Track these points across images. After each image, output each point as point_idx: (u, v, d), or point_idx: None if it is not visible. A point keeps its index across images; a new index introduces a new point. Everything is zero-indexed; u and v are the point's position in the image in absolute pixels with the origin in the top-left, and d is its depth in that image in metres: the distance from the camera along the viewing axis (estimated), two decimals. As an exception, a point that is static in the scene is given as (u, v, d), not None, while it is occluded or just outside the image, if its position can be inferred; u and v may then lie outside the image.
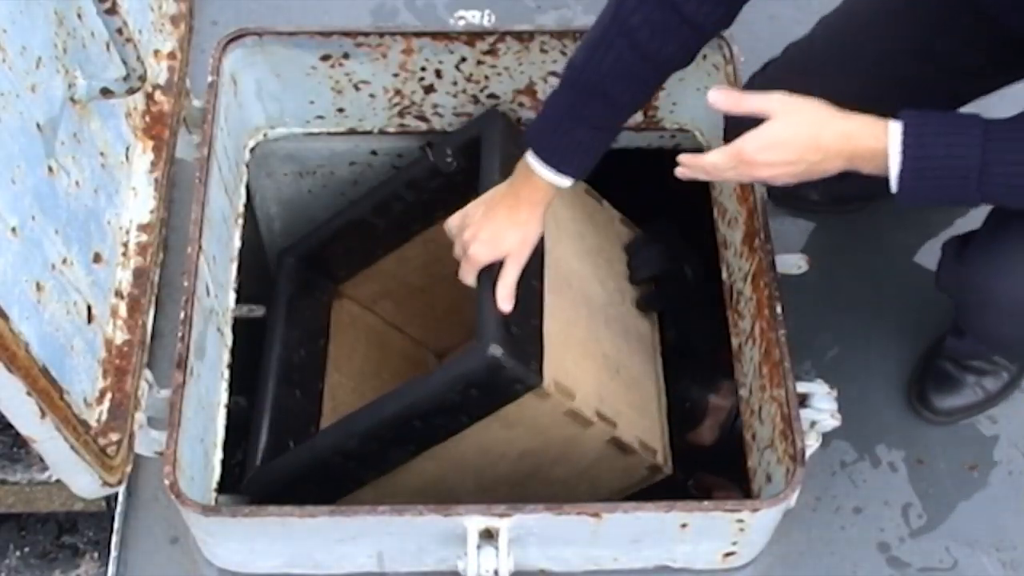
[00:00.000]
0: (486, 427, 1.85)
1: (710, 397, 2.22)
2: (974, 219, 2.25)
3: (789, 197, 2.23)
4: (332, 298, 2.33)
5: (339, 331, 2.30)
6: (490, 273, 1.79)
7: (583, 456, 1.96)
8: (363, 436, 1.85)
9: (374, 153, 2.33)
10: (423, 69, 2.13)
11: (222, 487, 1.88)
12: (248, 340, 2.11)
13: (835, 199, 2.25)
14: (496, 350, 1.72)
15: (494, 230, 1.76)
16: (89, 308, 1.56)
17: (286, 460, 1.97)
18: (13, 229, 1.37)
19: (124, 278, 1.69)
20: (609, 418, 1.91)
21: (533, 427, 1.87)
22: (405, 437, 1.85)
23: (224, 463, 1.91)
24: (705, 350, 2.26)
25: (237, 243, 2.08)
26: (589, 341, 1.99)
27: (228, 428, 1.92)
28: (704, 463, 2.21)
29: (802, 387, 1.77)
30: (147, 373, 1.67)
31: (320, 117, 2.22)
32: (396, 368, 2.41)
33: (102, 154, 1.67)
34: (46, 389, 1.37)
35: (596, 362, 1.97)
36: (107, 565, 1.87)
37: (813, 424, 1.78)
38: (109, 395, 1.59)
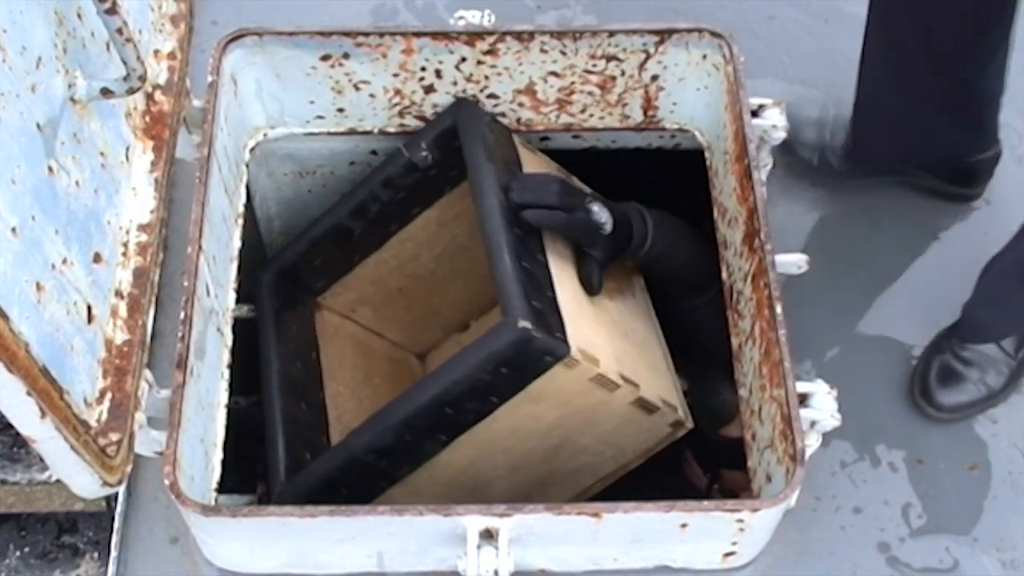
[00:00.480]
0: (515, 406, 1.88)
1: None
2: (971, 223, 2.27)
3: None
4: (313, 311, 2.34)
5: (326, 342, 2.31)
6: (510, 251, 1.82)
7: (609, 421, 2.00)
8: (396, 429, 1.86)
9: (374, 153, 2.33)
10: (423, 69, 2.13)
11: (222, 487, 1.88)
12: (250, 339, 2.11)
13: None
14: (525, 323, 1.75)
15: None
16: (89, 308, 1.56)
17: (315, 468, 1.96)
18: (13, 229, 1.37)
19: (124, 278, 1.69)
20: (632, 380, 1.94)
21: (560, 398, 1.91)
22: (437, 426, 1.87)
23: (224, 463, 1.91)
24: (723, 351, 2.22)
25: (237, 243, 2.08)
26: (598, 308, 2.03)
27: (229, 428, 1.92)
28: (730, 458, 2.22)
29: (802, 387, 1.77)
30: (147, 373, 1.67)
31: (320, 117, 2.22)
32: (385, 372, 2.42)
33: (102, 154, 1.67)
34: (46, 389, 1.38)
35: (608, 327, 2.01)
36: (107, 565, 1.87)
37: (813, 424, 1.78)
38: (109, 395, 1.59)
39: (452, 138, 2.08)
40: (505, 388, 1.85)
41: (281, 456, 2.03)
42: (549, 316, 1.83)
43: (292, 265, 2.30)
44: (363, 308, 2.40)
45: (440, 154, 2.12)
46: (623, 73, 2.15)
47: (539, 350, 1.79)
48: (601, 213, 1.99)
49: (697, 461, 2.42)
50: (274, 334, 2.19)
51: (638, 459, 2.11)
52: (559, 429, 1.98)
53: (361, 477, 1.92)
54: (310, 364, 2.24)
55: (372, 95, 2.18)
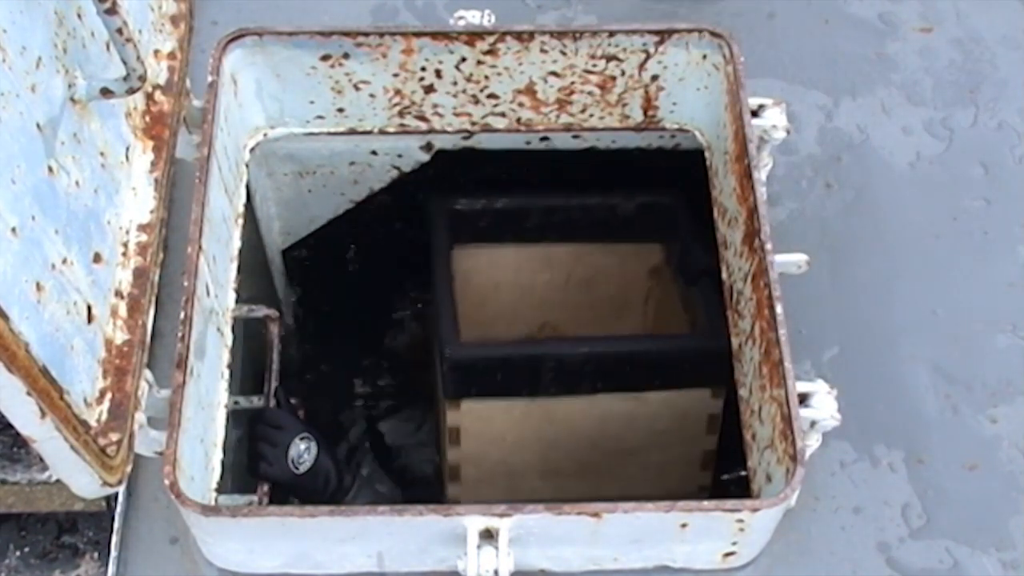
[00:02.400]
0: (628, 399, 2.36)
1: None
2: (971, 223, 2.27)
3: None
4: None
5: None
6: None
7: (672, 448, 2.48)
8: (576, 357, 2.32)
9: (374, 153, 2.33)
10: (423, 69, 2.13)
11: (222, 487, 1.88)
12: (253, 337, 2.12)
13: None
14: (724, 343, 2.09)
15: None
16: (89, 308, 1.56)
17: (494, 348, 2.42)
18: (13, 229, 1.37)
19: (124, 278, 1.69)
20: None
21: (668, 414, 2.41)
22: (606, 374, 2.35)
23: (223, 463, 1.91)
24: None
25: (237, 243, 2.08)
26: None
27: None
28: None
29: (802, 387, 1.77)
30: (147, 373, 1.67)
31: (320, 117, 2.22)
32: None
33: (102, 154, 1.67)
34: (46, 389, 1.37)
35: None
36: (107, 565, 1.87)
37: (813, 424, 1.78)
38: (109, 395, 1.59)
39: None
40: (661, 378, 2.34)
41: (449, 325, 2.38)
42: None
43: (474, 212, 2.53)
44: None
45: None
46: (623, 73, 2.15)
47: (718, 367, 2.17)
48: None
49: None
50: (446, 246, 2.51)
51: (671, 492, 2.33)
52: (645, 438, 2.42)
53: (517, 374, 2.36)
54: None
55: (372, 95, 2.18)
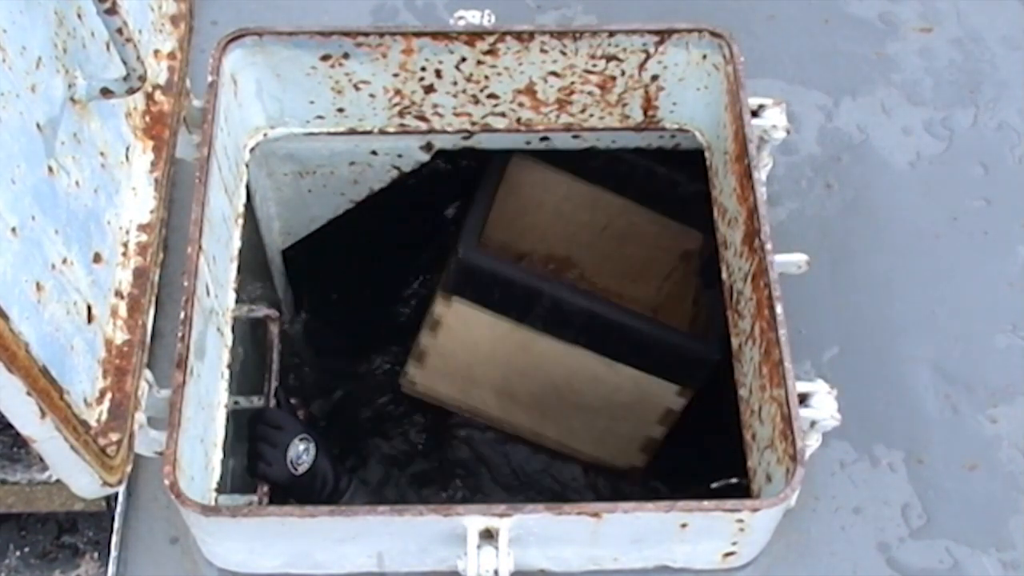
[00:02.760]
0: (602, 363, 2.52)
1: None
2: (971, 223, 2.27)
3: None
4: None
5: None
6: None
7: (622, 422, 2.66)
8: (572, 307, 2.47)
9: (374, 153, 2.33)
10: (423, 69, 2.13)
11: (222, 487, 1.89)
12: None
13: None
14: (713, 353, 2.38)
15: None
16: (89, 308, 1.56)
17: (503, 266, 2.51)
18: (13, 229, 1.37)
19: (124, 278, 1.69)
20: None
21: (631, 391, 2.57)
22: (593, 330, 2.50)
23: (223, 463, 1.91)
24: None
25: (237, 243, 2.08)
26: None
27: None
28: None
29: (802, 387, 1.77)
30: (147, 373, 1.67)
31: (320, 117, 2.22)
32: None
33: (102, 154, 1.67)
34: (46, 389, 1.37)
35: None
36: (107, 565, 1.87)
37: (813, 424, 1.78)
38: (109, 395, 1.59)
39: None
40: (641, 360, 2.50)
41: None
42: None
43: None
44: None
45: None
46: (623, 73, 2.15)
47: (704, 375, 2.49)
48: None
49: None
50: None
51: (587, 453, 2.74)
52: (602, 403, 2.56)
53: (515, 295, 2.49)
54: None
55: (372, 95, 2.18)
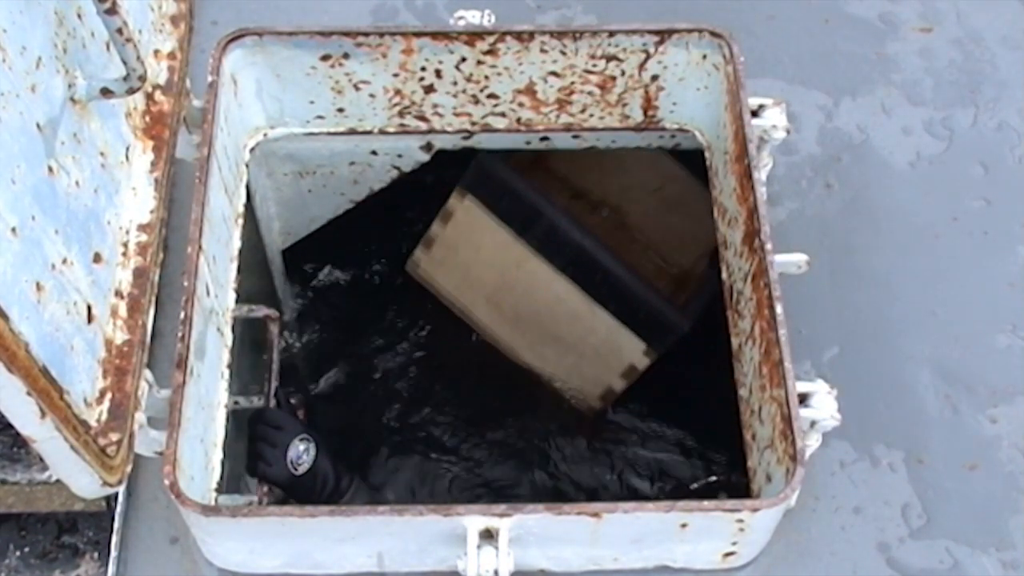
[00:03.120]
0: (583, 300, 2.68)
1: None
2: (971, 223, 2.27)
3: None
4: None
5: None
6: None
7: (589, 365, 2.79)
8: (567, 236, 2.65)
9: (374, 153, 2.33)
10: (423, 69, 2.13)
11: (221, 487, 1.89)
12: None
13: None
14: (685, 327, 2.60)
15: None
16: (89, 308, 1.56)
17: (517, 180, 2.64)
18: (13, 229, 1.37)
19: (124, 278, 1.69)
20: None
21: (603, 337, 2.71)
22: (581, 265, 2.67)
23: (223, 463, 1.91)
24: None
25: (237, 243, 2.08)
26: None
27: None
28: None
29: (802, 387, 1.77)
30: (147, 373, 1.67)
31: (320, 117, 2.22)
32: None
33: (102, 154, 1.67)
34: (46, 389, 1.37)
35: None
36: (107, 565, 1.87)
37: (813, 424, 1.78)
38: (109, 395, 1.59)
39: None
40: (613, 306, 2.66)
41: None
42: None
43: None
44: None
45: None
46: (623, 73, 2.15)
47: (667, 342, 2.66)
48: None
49: None
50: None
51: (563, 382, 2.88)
52: (576, 340, 2.74)
53: (529, 214, 2.67)
54: None
55: (372, 95, 2.18)
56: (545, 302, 2.76)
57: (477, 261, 2.80)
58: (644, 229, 2.89)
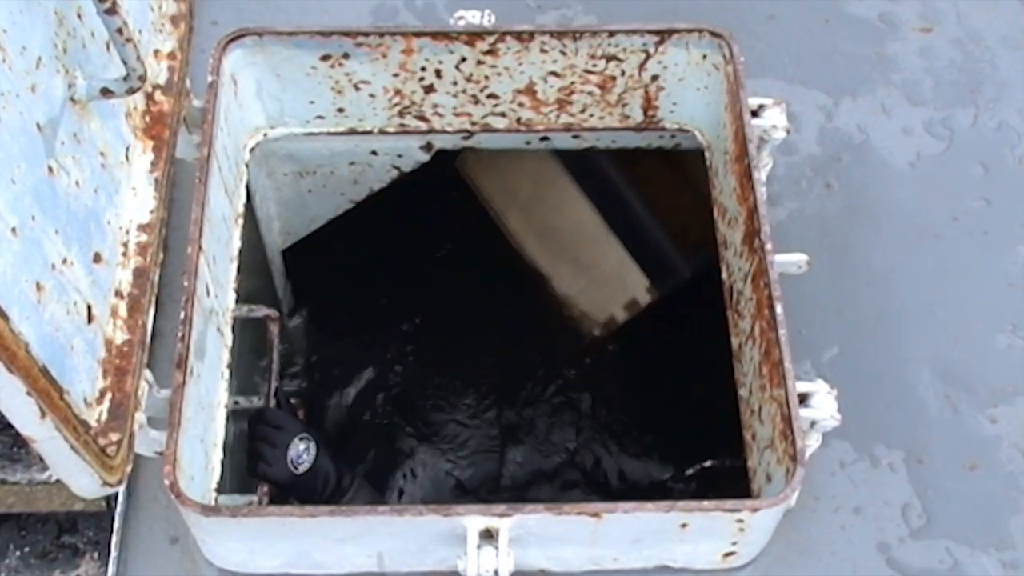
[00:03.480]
0: (597, 223, 2.89)
1: None
2: (971, 223, 2.27)
3: None
4: None
5: None
6: None
7: (596, 291, 2.98)
8: (597, 166, 2.83)
9: (374, 153, 2.33)
10: (423, 69, 2.13)
11: (222, 487, 1.89)
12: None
13: None
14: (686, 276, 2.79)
15: None
16: (89, 308, 1.56)
17: None
18: (13, 229, 1.37)
19: (124, 278, 1.69)
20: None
21: (613, 265, 2.91)
22: (605, 193, 2.87)
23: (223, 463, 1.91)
24: None
25: (237, 243, 2.08)
26: None
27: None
28: None
29: (802, 387, 1.77)
30: (147, 373, 1.67)
31: (320, 117, 2.22)
32: None
33: (102, 154, 1.67)
34: (46, 389, 1.37)
35: None
36: (107, 565, 1.87)
37: (813, 424, 1.78)
38: (109, 395, 1.59)
39: None
40: (624, 236, 2.86)
41: None
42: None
43: None
44: None
45: None
46: (623, 73, 2.15)
47: (667, 281, 2.84)
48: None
49: None
50: None
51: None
52: (590, 264, 2.97)
53: None
54: None
55: (372, 95, 2.18)
56: (569, 221, 2.94)
57: (517, 170, 2.98)
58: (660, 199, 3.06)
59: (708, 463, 2.93)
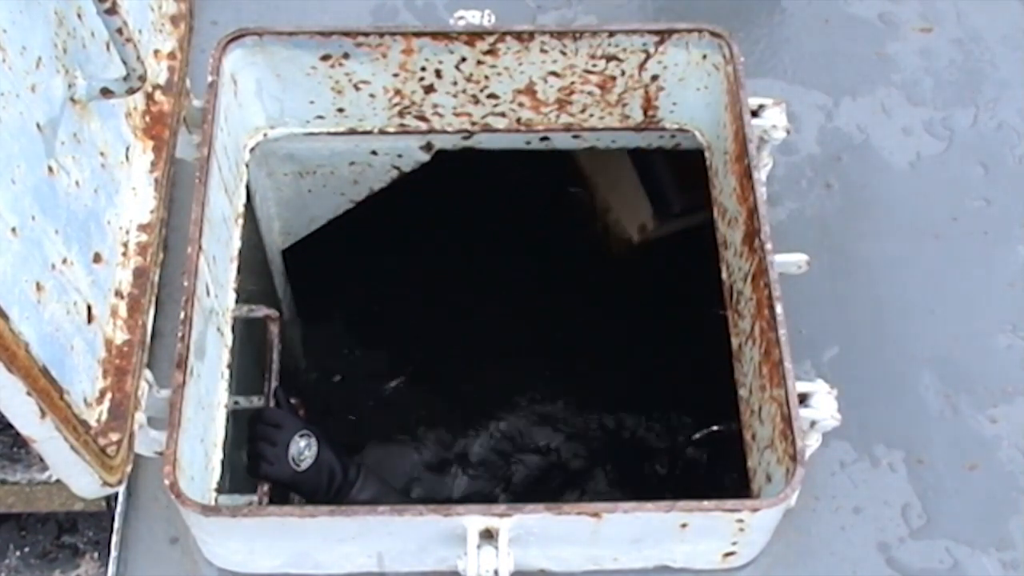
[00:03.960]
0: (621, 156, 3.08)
1: None
2: (971, 223, 2.27)
3: None
4: None
5: None
6: None
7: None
8: None
9: (374, 153, 2.33)
10: (423, 69, 2.13)
11: (222, 487, 1.89)
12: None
13: None
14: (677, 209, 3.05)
15: None
16: (89, 308, 1.56)
17: None
18: (13, 229, 1.37)
19: (124, 278, 1.69)
20: None
21: (629, 193, 3.20)
22: None
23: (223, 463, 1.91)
24: None
25: (237, 243, 2.08)
26: None
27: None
28: None
29: (802, 387, 1.77)
30: (147, 373, 1.67)
31: (320, 117, 2.22)
32: None
33: (102, 154, 1.67)
34: (46, 389, 1.37)
35: None
36: (107, 565, 1.87)
37: (813, 424, 1.78)
38: (109, 395, 1.59)
39: None
40: (637, 163, 3.12)
41: None
42: None
43: None
44: None
45: None
46: (623, 73, 2.15)
47: (662, 211, 3.05)
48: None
49: None
50: None
51: None
52: (611, 186, 3.28)
53: None
54: None
55: (372, 95, 2.18)
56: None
57: None
58: None
59: (715, 428, 2.95)
